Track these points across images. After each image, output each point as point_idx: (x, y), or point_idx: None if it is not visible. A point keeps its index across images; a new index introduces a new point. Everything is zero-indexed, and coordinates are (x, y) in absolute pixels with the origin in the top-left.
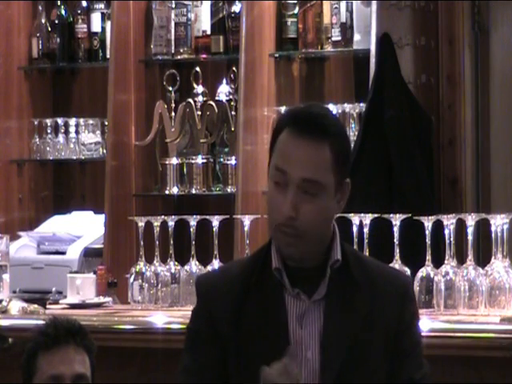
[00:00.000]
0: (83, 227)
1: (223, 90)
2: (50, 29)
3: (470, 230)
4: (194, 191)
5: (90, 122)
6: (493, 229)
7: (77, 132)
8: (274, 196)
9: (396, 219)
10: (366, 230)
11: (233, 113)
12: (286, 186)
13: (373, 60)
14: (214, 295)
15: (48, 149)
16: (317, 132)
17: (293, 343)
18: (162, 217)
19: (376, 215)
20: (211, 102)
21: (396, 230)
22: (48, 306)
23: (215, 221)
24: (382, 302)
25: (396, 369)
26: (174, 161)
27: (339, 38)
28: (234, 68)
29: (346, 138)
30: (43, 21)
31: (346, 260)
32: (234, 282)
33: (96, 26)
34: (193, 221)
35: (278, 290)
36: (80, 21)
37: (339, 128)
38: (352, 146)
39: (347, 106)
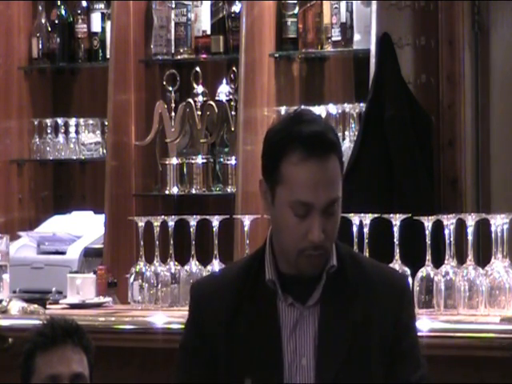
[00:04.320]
0: (83, 227)
1: (223, 90)
2: (50, 29)
3: (470, 230)
4: (194, 191)
5: (90, 121)
6: (493, 229)
7: (77, 132)
8: (293, 224)
9: (396, 219)
10: (366, 230)
11: (233, 113)
12: (308, 212)
13: (373, 60)
14: (207, 305)
15: (48, 149)
16: (328, 150)
17: (286, 351)
18: (162, 217)
19: (376, 215)
20: (211, 102)
21: (396, 230)
22: (48, 306)
23: (215, 221)
24: (378, 304)
25: (393, 371)
26: (174, 161)
27: (339, 38)
28: (234, 68)
29: (337, 134)
30: (43, 21)
31: (342, 263)
32: (227, 292)
33: (96, 26)
34: (193, 221)
35: (270, 299)
36: (80, 21)
37: (334, 130)
38: (352, 145)
39: (347, 106)
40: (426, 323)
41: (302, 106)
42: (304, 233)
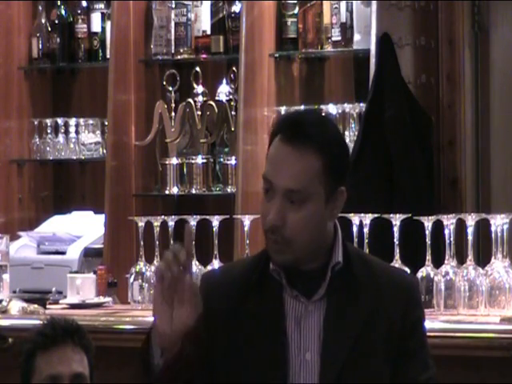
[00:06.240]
0: (83, 227)
1: (223, 90)
2: (50, 29)
3: (470, 230)
4: (194, 191)
5: (90, 121)
6: (493, 229)
7: (77, 132)
8: (263, 203)
9: (396, 219)
10: (366, 230)
11: (233, 113)
12: (273, 193)
13: (373, 60)
14: (214, 294)
15: (48, 149)
16: (301, 140)
17: (291, 345)
18: (162, 217)
19: (376, 215)
20: (211, 102)
21: (396, 230)
22: (48, 306)
23: (215, 221)
24: (385, 303)
25: (401, 371)
26: (174, 161)
27: (339, 38)
28: (234, 68)
29: (340, 146)
30: (43, 21)
31: (349, 261)
32: (235, 282)
33: (96, 26)
34: (193, 221)
35: (277, 290)
36: (80, 21)
37: (331, 135)
38: (352, 145)
39: (347, 106)
40: (426, 323)
41: (302, 106)
42: (267, 213)
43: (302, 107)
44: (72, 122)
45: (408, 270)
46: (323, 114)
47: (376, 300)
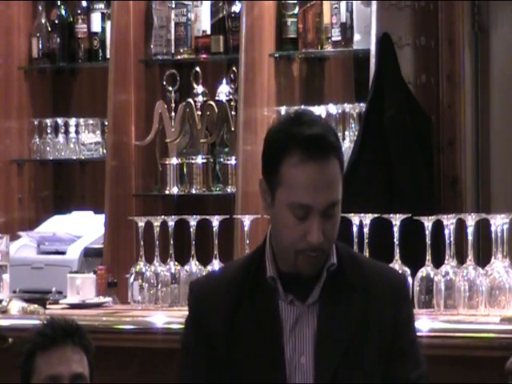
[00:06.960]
0: (83, 227)
1: (223, 90)
2: (50, 29)
3: (470, 230)
4: (194, 191)
5: (90, 122)
6: (493, 229)
7: (77, 132)
8: (292, 225)
9: (396, 219)
10: (366, 230)
11: (233, 113)
12: (307, 214)
13: (373, 60)
14: (206, 304)
15: (48, 149)
16: (325, 153)
17: (286, 349)
18: (162, 217)
19: (376, 215)
20: (211, 102)
21: (396, 229)
22: (48, 306)
23: (215, 221)
24: (377, 303)
25: (392, 368)
26: (174, 161)
27: (339, 38)
28: (234, 68)
29: (335, 132)
30: (43, 21)
31: (341, 261)
32: (226, 290)
33: (96, 26)
34: (193, 221)
35: (270, 296)
36: (80, 21)
37: (334, 131)
38: (352, 146)
39: (347, 106)
40: (426, 323)
41: (303, 106)
42: (303, 234)
43: (302, 106)
44: (72, 122)
45: (408, 270)
46: (310, 109)
47: (368, 301)
